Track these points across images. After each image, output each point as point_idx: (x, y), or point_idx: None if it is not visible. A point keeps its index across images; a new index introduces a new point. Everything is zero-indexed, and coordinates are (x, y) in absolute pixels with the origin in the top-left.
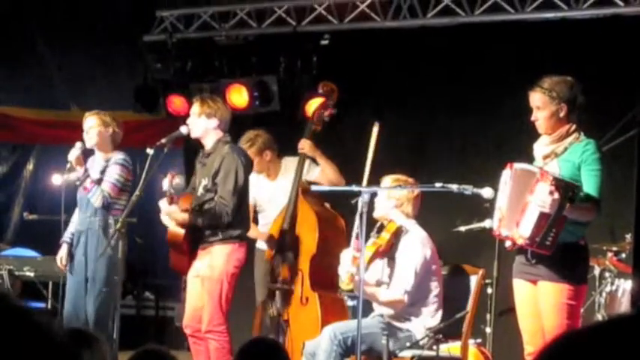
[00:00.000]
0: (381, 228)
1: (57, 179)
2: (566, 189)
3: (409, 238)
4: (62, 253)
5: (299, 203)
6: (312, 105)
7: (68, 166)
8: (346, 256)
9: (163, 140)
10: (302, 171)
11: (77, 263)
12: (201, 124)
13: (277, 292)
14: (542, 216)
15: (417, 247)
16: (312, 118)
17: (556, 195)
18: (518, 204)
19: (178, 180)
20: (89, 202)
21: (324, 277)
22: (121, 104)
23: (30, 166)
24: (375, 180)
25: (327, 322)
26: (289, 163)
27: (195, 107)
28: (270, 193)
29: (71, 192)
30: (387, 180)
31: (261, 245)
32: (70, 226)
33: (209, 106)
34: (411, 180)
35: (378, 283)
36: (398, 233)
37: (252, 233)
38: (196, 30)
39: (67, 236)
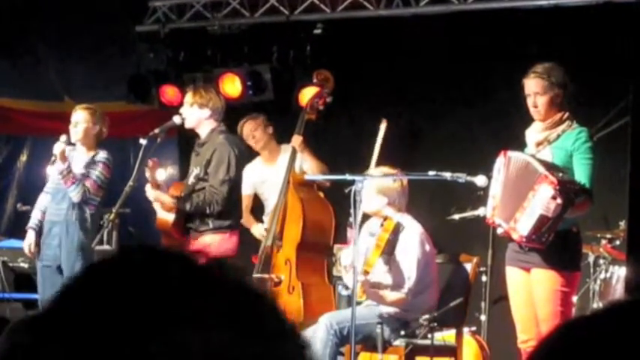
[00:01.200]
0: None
1: (51, 171)
2: (569, 194)
3: (407, 235)
4: (30, 239)
5: (288, 193)
6: (306, 94)
7: (53, 159)
8: (346, 259)
9: (156, 130)
10: (293, 164)
11: (50, 252)
12: (194, 114)
13: (266, 282)
14: (543, 218)
15: (416, 244)
16: (306, 107)
17: (559, 200)
18: (512, 194)
19: (172, 170)
20: (66, 195)
21: (310, 265)
22: (114, 95)
23: (23, 158)
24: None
25: (310, 311)
26: (289, 149)
27: (188, 97)
28: (269, 178)
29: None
30: (375, 173)
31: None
32: (36, 212)
33: (201, 96)
34: (398, 171)
35: (384, 287)
36: (396, 231)
37: (247, 223)
38: (189, 20)
39: (33, 223)
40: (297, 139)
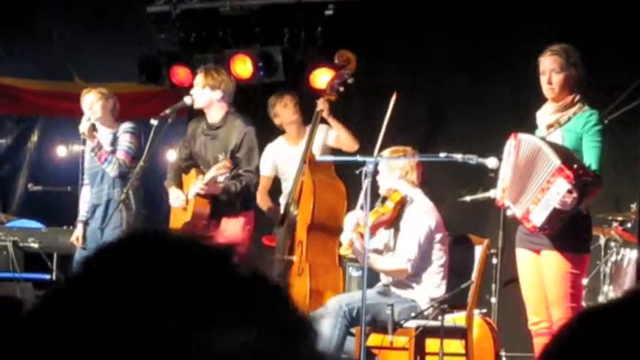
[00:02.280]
0: (385, 198)
1: (62, 150)
2: (585, 186)
3: (414, 207)
4: (79, 232)
5: (305, 173)
6: (318, 75)
7: (82, 138)
8: (349, 221)
9: (167, 111)
10: (312, 136)
11: (90, 235)
12: (205, 96)
13: (278, 264)
14: (558, 211)
15: (421, 216)
16: (326, 88)
17: (575, 194)
18: (522, 176)
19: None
20: (104, 174)
21: (321, 247)
22: (125, 75)
23: (34, 138)
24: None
25: (317, 293)
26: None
27: (199, 78)
28: (290, 157)
29: (75, 164)
30: (386, 153)
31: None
32: (83, 205)
33: (213, 78)
34: (409, 149)
35: (387, 249)
36: (403, 203)
37: (263, 204)
38: (200, 0)
39: (82, 215)
40: (323, 102)
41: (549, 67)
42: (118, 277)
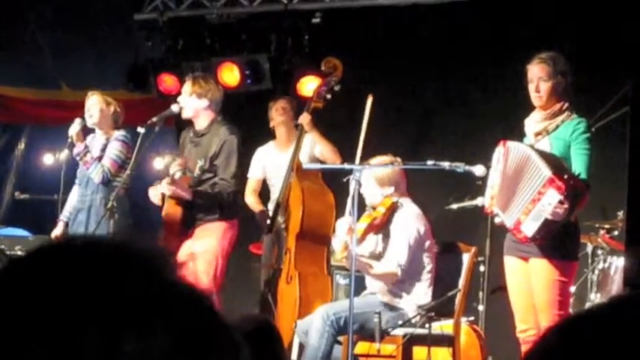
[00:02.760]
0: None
1: (49, 158)
2: (576, 197)
3: (403, 212)
4: (58, 230)
5: (292, 179)
6: (305, 83)
7: (69, 141)
8: (341, 226)
9: (154, 119)
10: (299, 146)
11: None
12: (192, 104)
13: (265, 271)
14: (549, 222)
15: (411, 221)
16: (312, 95)
17: (566, 205)
18: (511, 184)
19: (169, 159)
20: (89, 179)
21: (309, 255)
22: (112, 83)
23: (21, 146)
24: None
25: (306, 302)
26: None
27: (187, 86)
28: (279, 164)
29: (67, 170)
30: (373, 163)
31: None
32: (68, 204)
33: (200, 86)
34: (397, 159)
35: (373, 256)
36: (393, 208)
37: (254, 206)
38: (187, 8)
39: (65, 215)
40: (305, 117)
41: (537, 75)
42: (28, 284)
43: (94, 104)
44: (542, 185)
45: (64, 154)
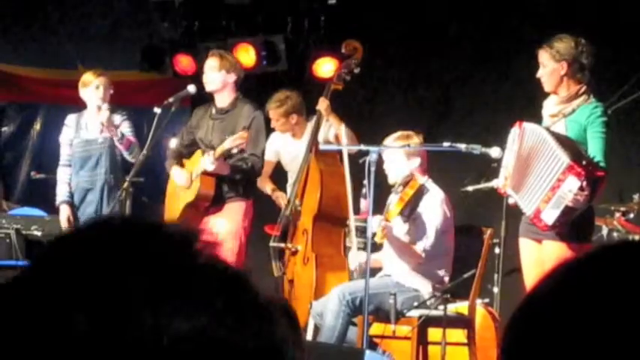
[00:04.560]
0: (405, 184)
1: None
2: (595, 182)
3: (431, 197)
4: (67, 212)
5: (310, 162)
6: (321, 64)
7: (101, 128)
8: (353, 262)
9: (171, 99)
10: (318, 129)
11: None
12: (220, 78)
13: (281, 252)
14: (570, 209)
15: (438, 206)
16: (332, 77)
17: (587, 191)
18: (525, 165)
19: None
20: (100, 159)
21: (326, 237)
22: (128, 64)
23: (37, 126)
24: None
25: (322, 283)
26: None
27: (214, 61)
28: (295, 153)
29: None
30: (391, 140)
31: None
32: (64, 186)
33: (229, 62)
34: (414, 135)
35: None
36: (420, 192)
37: (264, 187)
38: None
39: (65, 196)
40: (323, 102)
41: (540, 61)
42: (74, 262)
43: (105, 85)
44: (562, 172)
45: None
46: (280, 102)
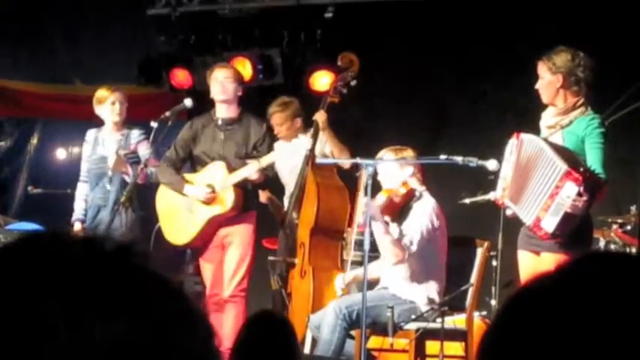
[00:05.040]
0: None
1: (61, 153)
2: (593, 188)
3: (422, 203)
4: (79, 231)
5: (307, 175)
6: (317, 77)
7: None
8: (339, 282)
9: (167, 113)
10: (316, 140)
11: None
12: (234, 90)
13: (278, 265)
14: (569, 215)
15: (427, 212)
16: (329, 90)
17: (585, 197)
18: (523, 176)
19: None
20: (114, 177)
21: (323, 250)
22: (125, 78)
23: (34, 141)
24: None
25: (320, 296)
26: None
27: (230, 72)
28: (288, 155)
29: (75, 166)
30: (385, 152)
31: None
32: (80, 203)
33: (240, 74)
34: (407, 149)
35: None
36: (411, 196)
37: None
38: (200, 3)
39: (80, 213)
40: (321, 115)
41: (538, 72)
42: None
43: (121, 102)
44: (559, 179)
45: (78, 150)
46: (285, 104)
